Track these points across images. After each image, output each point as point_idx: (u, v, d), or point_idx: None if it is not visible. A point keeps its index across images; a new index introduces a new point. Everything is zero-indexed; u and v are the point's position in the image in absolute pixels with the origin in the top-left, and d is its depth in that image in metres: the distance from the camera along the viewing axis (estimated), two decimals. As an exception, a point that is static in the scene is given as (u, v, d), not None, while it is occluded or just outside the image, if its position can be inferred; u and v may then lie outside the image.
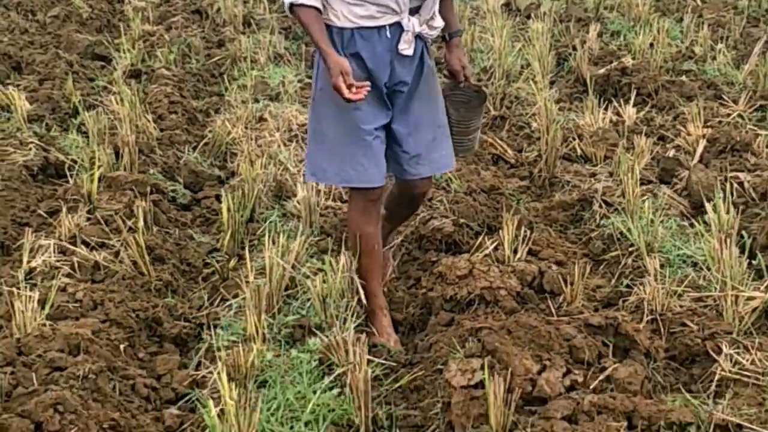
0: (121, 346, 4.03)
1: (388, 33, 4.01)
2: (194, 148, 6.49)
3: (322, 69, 4.00)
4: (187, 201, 5.88)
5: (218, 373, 3.35)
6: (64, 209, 5.12)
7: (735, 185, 5.43)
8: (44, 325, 3.98)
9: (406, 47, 4.06)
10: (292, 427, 3.47)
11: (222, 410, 3.24)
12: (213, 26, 10.15)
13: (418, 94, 4.15)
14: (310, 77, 7.93)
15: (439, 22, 4.16)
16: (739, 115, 6.73)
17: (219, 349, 3.83)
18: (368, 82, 3.88)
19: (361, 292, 4.23)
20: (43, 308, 4.12)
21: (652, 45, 8.10)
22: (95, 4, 10.81)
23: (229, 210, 4.97)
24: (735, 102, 6.95)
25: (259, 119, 6.92)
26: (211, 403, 3.22)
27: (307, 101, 7.24)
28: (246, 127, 6.60)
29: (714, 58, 8.23)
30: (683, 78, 7.52)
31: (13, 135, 6.53)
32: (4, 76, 7.94)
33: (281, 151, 6.17)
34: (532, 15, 9.90)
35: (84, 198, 5.33)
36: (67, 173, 5.99)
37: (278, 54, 8.78)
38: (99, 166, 5.63)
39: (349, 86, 3.81)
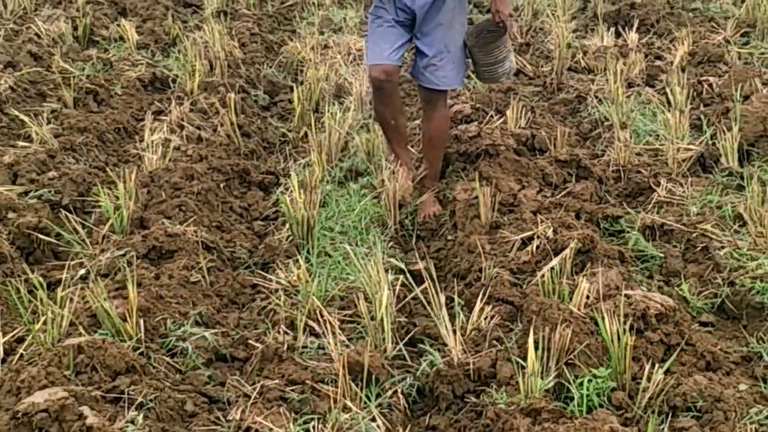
0: (221, 185, 5.55)
1: None
2: (270, 66, 7.98)
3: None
4: (266, 103, 7.38)
5: (291, 183, 4.83)
6: (173, 102, 6.66)
7: (705, 85, 6.76)
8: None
9: None
10: (343, 224, 4.95)
11: (293, 203, 4.72)
12: (285, -20, 11.63)
13: (436, 22, 5.20)
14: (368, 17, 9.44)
15: None
16: (725, 39, 8.00)
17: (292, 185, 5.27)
18: None
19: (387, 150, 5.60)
20: (164, 158, 5.65)
21: (661, -15, 9.38)
22: (182, -37, 12.36)
23: (299, 98, 6.45)
24: (724, 30, 8.22)
25: (324, 46, 8.38)
26: (286, 197, 4.71)
27: (365, 33, 8.74)
28: (312, 50, 8.06)
29: (718, -1, 9.47)
30: (681, 11, 8.79)
31: (126, 58, 8.09)
32: (113, 18, 9.50)
33: (341, 66, 7.62)
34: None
35: (187, 94, 6.87)
36: (171, 85, 7.52)
37: (341, -1, 10.25)
38: (198, 75, 7.13)
39: None
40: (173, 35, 8.84)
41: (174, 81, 7.55)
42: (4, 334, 3.87)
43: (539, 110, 6.69)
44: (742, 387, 3.44)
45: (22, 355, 3.77)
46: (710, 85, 6.79)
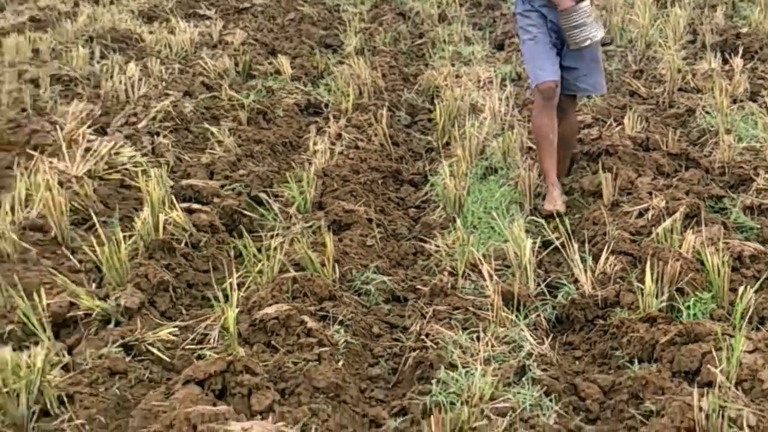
0: (379, 181, 6.60)
1: None
2: (410, 92, 9.07)
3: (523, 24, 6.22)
4: (407, 122, 8.45)
5: (443, 171, 5.83)
6: (331, 119, 7.78)
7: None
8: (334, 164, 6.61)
9: None
10: (486, 206, 5.93)
11: (445, 187, 5.72)
12: (414, 24, 12.78)
13: None
14: (493, 53, 10.52)
15: None
16: (826, 60, 8.77)
17: (444, 173, 6.27)
18: None
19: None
20: (331, 158, 6.74)
21: (764, 17, 10.16)
22: (320, 11, 13.66)
23: (440, 113, 7.49)
24: (825, 53, 8.98)
25: (456, 76, 9.43)
26: (439, 180, 5.72)
27: (491, 62, 9.76)
28: (446, 78, 9.12)
29: (821, 28, 10.20)
30: (784, 37, 9.59)
31: (283, 88, 9.29)
32: (265, 56, 10.76)
33: (473, 91, 8.65)
34: (677, 4, 12.05)
35: (342, 113, 7.98)
36: (323, 109, 8.66)
37: (467, 37, 11.32)
38: (351, 97, 8.25)
39: None
40: (321, 69, 10.03)
41: (326, 105, 8.68)
42: (222, 284, 4.94)
43: (653, 122, 7.57)
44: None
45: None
46: (810, 98, 7.59)
